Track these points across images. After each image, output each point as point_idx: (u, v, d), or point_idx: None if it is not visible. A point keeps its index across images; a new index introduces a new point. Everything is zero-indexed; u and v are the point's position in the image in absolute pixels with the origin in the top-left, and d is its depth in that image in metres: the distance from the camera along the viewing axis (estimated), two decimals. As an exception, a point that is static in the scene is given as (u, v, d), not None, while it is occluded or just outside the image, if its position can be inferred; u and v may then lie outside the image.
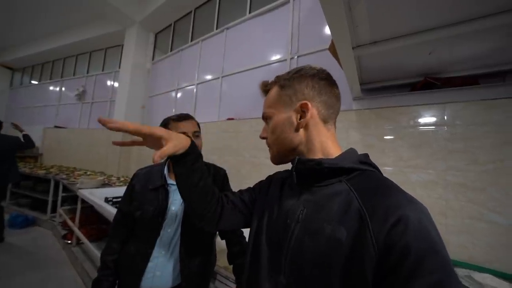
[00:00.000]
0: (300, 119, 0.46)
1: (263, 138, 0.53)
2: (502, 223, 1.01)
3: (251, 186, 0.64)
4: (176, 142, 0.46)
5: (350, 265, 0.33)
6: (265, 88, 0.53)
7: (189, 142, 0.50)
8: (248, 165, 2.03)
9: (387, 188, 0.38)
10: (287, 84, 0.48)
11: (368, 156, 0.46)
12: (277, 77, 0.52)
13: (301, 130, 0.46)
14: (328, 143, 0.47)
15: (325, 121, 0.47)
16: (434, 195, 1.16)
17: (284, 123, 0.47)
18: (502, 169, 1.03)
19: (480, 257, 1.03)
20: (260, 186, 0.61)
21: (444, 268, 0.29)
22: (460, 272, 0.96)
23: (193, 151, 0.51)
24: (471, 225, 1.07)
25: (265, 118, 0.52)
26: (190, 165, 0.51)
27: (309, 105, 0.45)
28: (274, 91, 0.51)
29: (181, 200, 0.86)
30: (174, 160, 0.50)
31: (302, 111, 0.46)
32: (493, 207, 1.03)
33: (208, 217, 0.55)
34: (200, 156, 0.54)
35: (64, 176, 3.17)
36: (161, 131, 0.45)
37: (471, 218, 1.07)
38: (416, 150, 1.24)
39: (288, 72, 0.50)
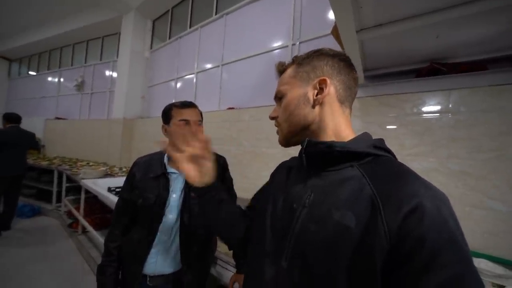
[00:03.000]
0: (317, 95, 0.44)
1: (272, 118, 0.51)
2: (502, 210, 1.01)
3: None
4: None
5: (358, 254, 0.31)
6: (281, 68, 0.51)
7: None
8: (248, 155, 2.02)
9: (403, 174, 0.35)
10: (306, 62, 0.46)
11: (383, 141, 0.43)
12: (295, 57, 0.49)
13: (317, 108, 0.44)
14: (342, 126, 0.44)
15: (341, 101, 0.45)
16: (434, 183, 1.15)
17: (299, 99, 0.45)
18: (505, 157, 1.01)
19: (478, 244, 1.03)
20: (269, 179, 0.59)
21: (462, 261, 0.27)
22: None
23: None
24: (471, 213, 1.07)
25: (278, 97, 0.49)
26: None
27: (328, 81, 0.43)
28: (290, 69, 0.48)
29: (182, 188, 0.87)
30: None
31: (320, 88, 0.44)
32: (494, 195, 1.02)
33: (233, 244, 0.58)
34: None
35: (67, 167, 3.21)
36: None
37: (472, 206, 1.07)
38: (419, 138, 1.22)
39: (307, 53, 0.48)
